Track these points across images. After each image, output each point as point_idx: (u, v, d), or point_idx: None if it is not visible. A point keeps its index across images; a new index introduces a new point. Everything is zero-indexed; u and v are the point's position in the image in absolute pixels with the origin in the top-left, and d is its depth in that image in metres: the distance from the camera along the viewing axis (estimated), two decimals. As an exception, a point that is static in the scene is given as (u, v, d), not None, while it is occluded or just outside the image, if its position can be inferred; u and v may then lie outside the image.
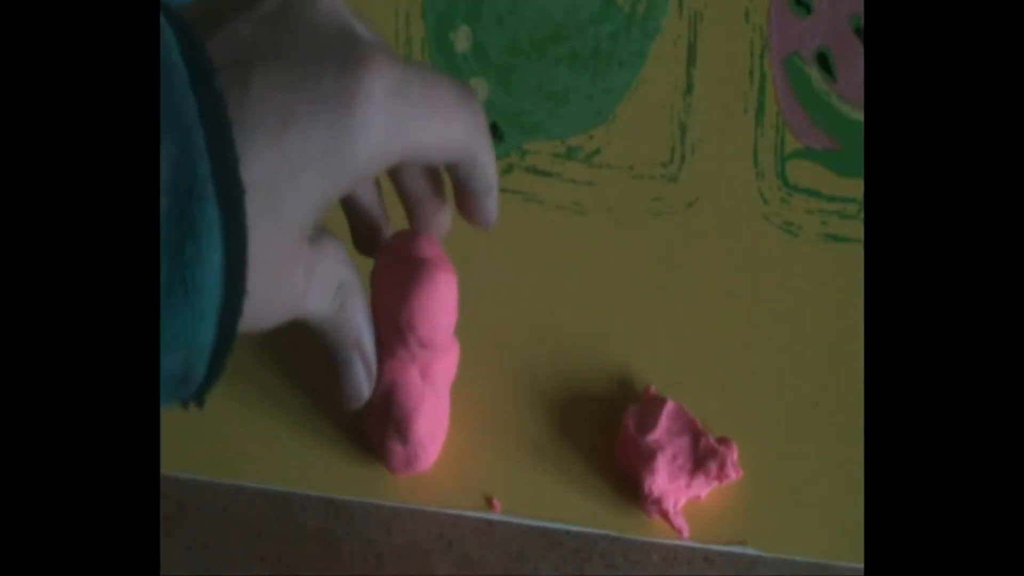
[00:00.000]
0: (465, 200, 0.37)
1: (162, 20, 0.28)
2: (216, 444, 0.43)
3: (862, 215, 0.46)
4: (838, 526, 0.43)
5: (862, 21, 0.48)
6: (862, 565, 0.43)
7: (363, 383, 0.38)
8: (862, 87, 0.47)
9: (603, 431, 0.44)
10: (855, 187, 0.47)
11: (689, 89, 0.47)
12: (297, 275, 0.33)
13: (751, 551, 0.43)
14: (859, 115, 0.47)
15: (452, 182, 0.36)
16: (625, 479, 0.43)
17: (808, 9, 0.48)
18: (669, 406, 0.43)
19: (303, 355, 0.44)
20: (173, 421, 0.43)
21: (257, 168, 0.29)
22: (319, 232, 0.34)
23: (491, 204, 0.37)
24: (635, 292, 0.45)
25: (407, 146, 0.32)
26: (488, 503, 0.43)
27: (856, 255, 0.46)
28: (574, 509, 0.43)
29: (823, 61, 0.48)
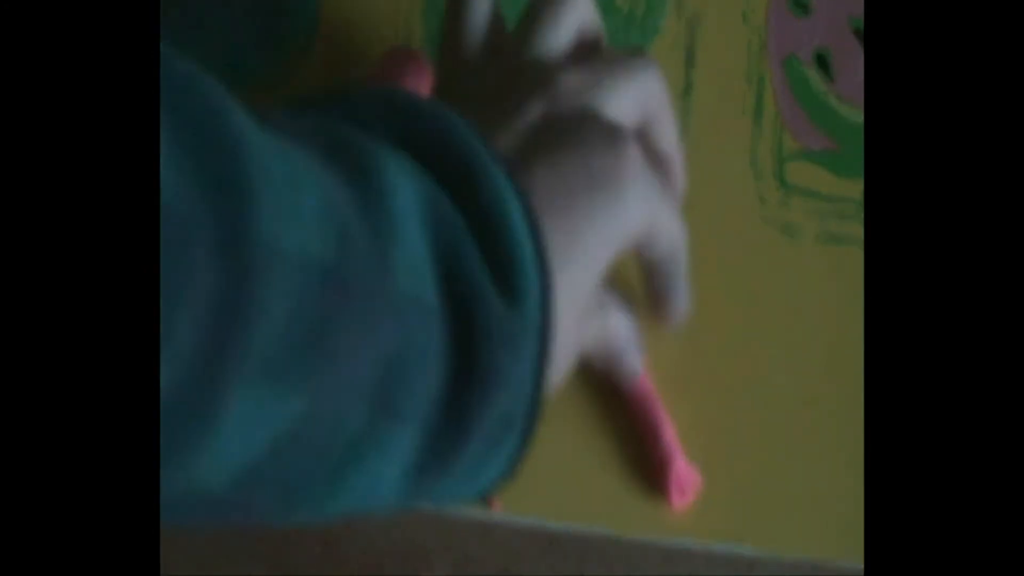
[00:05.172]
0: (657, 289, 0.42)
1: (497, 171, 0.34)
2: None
3: (861, 216, 0.46)
4: (836, 525, 0.44)
5: (861, 22, 0.48)
6: (861, 564, 0.43)
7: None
8: (861, 88, 0.47)
9: (603, 430, 0.44)
10: (854, 188, 0.47)
11: (687, 90, 0.47)
12: (586, 336, 0.38)
13: (749, 550, 0.43)
14: (858, 116, 0.47)
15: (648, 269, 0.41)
16: (626, 478, 0.43)
17: (807, 10, 0.48)
18: None
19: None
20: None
21: (553, 250, 0.33)
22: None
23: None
24: (633, 294, 0.45)
25: (658, 213, 0.38)
26: (488, 503, 0.43)
27: (855, 257, 0.46)
28: (574, 509, 0.43)
29: (822, 62, 0.48)
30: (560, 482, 0.43)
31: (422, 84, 0.44)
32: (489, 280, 0.32)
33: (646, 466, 0.44)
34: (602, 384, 0.44)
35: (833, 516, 0.44)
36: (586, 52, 0.40)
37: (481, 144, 0.34)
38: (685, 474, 0.43)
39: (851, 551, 0.43)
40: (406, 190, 0.32)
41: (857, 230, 0.46)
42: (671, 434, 0.43)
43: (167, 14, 0.44)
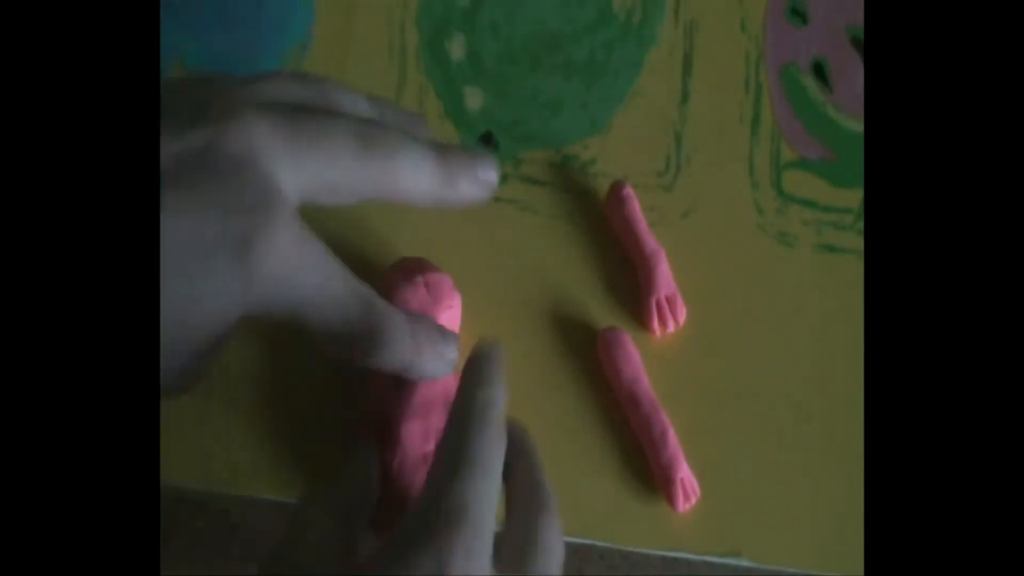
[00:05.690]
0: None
1: None
2: (214, 456, 0.43)
3: (858, 226, 0.46)
4: (832, 538, 0.43)
5: (858, 31, 0.48)
6: (856, 576, 0.43)
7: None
8: (858, 97, 0.47)
9: (601, 441, 0.44)
10: (851, 197, 0.47)
11: (685, 99, 0.47)
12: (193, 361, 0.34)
13: (745, 563, 0.43)
14: (855, 125, 0.47)
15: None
16: (624, 491, 0.43)
17: (804, 19, 0.48)
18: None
19: (302, 368, 0.44)
20: (173, 433, 0.43)
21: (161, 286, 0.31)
22: None
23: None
24: (630, 302, 0.45)
25: (299, 303, 0.34)
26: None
27: (852, 266, 0.46)
28: (574, 521, 0.43)
29: (819, 71, 0.48)
30: (559, 495, 0.43)
31: (454, 307, 0.43)
32: None
33: (644, 478, 0.43)
34: (602, 394, 0.44)
35: (827, 528, 0.43)
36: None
37: None
38: (689, 479, 0.43)
39: (845, 563, 0.43)
40: None
41: (854, 240, 0.46)
42: (675, 440, 0.43)
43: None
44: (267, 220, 0.32)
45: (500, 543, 0.34)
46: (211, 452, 0.43)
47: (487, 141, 0.47)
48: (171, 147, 0.31)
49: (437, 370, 0.38)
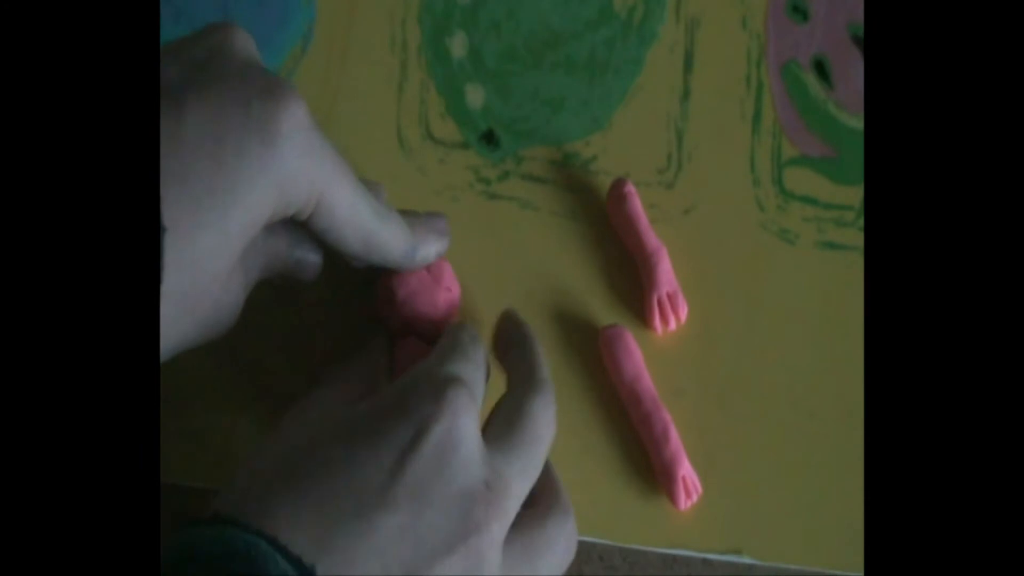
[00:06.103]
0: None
1: None
2: (215, 454, 0.43)
3: (859, 223, 0.46)
4: (833, 536, 0.43)
5: (859, 28, 0.48)
6: (856, 574, 0.43)
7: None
8: (859, 94, 0.47)
9: (602, 438, 0.44)
10: (852, 194, 0.47)
11: (686, 96, 0.47)
12: (236, 283, 0.35)
13: (746, 560, 0.43)
14: (856, 122, 0.47)
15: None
16: (625, 489, 0.43)
17: (805, 16, 0.48)
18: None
19: (304, 367, 0.44)
20: (173, 430, 0.43)
21: (196, 183, 0.32)
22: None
23: (411, 266, 0.41)
24: (632, 299, 0.45)
25: (325, 183, 0.35)
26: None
27: (853, 263, 0.46)
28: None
29: (820, 68, 0.48)
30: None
31: (453, 291, 0.43)
32: None
33: (646, 475, 0.43)
34: (604, 392, 0.44)
35: (828, 526, 0.43)
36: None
37: None
38: (691, 476, 0.43)
39: (846, 561, 0.43)
40: None
41: (855, 237, 0.46)
42: (677, 437, 0.43)
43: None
44: (285, 99, 0.34)
45: (492, 418, 0.36)
46: (212, 450, 0.43)
47: (488, 139, 0.47)
48: (173, 63, 0.33)
49: (435, 249, 0.41)
